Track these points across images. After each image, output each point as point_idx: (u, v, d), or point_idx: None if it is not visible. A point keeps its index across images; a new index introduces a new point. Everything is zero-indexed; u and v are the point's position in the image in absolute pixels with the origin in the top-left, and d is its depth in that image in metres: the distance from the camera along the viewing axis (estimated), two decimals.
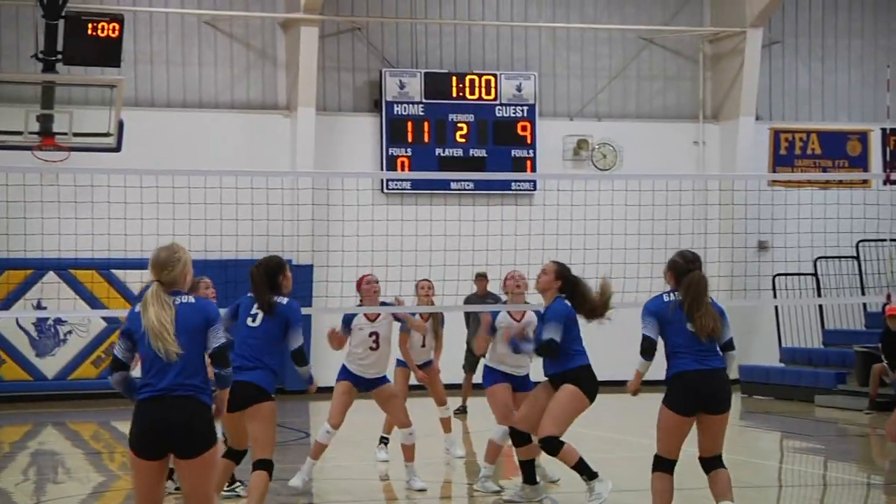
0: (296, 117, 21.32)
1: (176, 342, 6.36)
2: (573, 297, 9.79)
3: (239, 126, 21.36)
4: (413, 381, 13.16)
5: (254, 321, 8.71)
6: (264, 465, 8.52)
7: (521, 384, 10.66)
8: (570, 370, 9.68)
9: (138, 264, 19.60)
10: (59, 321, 19.95)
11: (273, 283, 8.78)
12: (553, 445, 9.54)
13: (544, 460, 10.38)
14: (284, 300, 8.76)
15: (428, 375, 13.14)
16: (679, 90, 23.52)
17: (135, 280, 20.16)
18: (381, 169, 21.61)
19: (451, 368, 18.27)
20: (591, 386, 9.71)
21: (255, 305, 8.78)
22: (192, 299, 6.56)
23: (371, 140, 21.93)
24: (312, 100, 21.28)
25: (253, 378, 8.47)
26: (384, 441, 12.79)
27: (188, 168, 17.76)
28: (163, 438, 6.37)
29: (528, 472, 10.17)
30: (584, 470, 9.63)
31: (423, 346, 13.16)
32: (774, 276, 21.58)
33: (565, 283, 9.82)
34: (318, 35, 21.23)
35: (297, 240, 20.08)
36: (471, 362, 17.73)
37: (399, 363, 13.07)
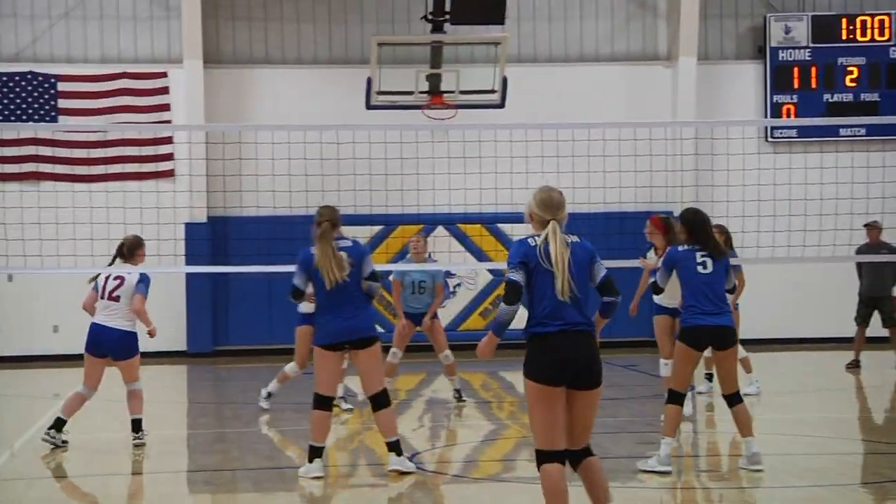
0: (677, 67, 20.95)
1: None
2: None
3: (620, 78, 21.21)
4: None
5: (705, 268, 9.26)
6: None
7: None
8: None
9: (523, 218, 20.03)
10: (448, 274, 20.50)
11: None
12: None
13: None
14: None
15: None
16: None
17: (521, 234, 20.46)
18: (766, 116, 20.93)
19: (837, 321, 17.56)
20: None
21: (701, 254, 9.30)
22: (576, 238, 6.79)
23: (754, 87, 21.26)
24: (694, 49, 20.84)
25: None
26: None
27: (571, 121, 17.80)
28: (572, 369, 6.51)
29: None
30: None
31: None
32: None
33: None
34: None
35: (680, 191, 19.75)
36: (863, 315, 16.91)
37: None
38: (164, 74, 20.38)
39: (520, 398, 14.40)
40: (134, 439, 10.67)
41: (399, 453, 9.26)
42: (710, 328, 9.19)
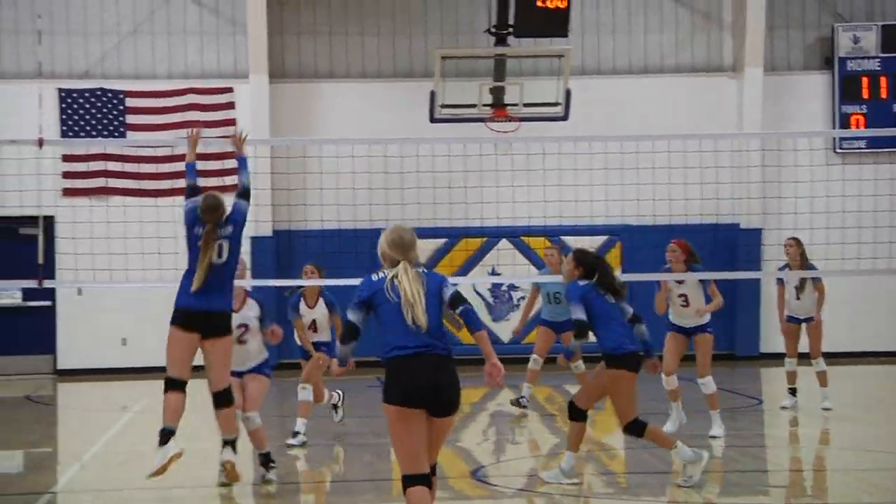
0: (743, 78, 20.80)
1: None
2: None
3: (684, 90, 21.08)
4: None
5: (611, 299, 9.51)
6: None
7: None
8: None
9: (588, 231, 19.96)
10: (512, 287, 20.47)
11: None
12: None
13: None
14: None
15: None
16: None
17: (584, 245, 20.37)
18: (834, 127, 20.71)
19: None
20: None
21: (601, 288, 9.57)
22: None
23: (822, 98, 21.05)
24: (760, 60, 20.68)
25: None
26: None
27: (635, 133, 17.72)
28: (428, 393, 6.56)
29: None
30: None
31: None
32: None
33: None
34: None
35: (746, 203, 19.60)
36: None
37: None
38: (230, 89, 20.57)
39: None
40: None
41: None
42: (637, 353, 9.30)
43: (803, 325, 13.80)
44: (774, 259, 17.71)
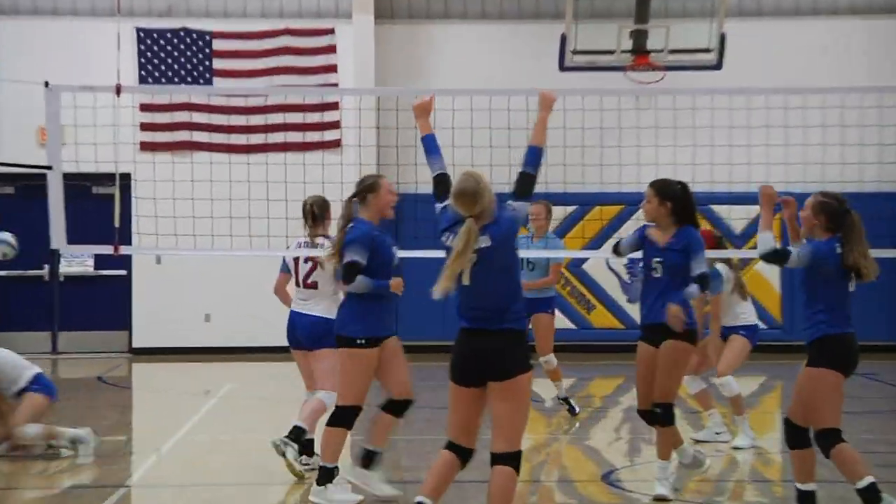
0: None
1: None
2: None
3: (861, 34, 20.77)
4: None
5: None
6: None
7: None
8: None
9: (743, 199, 19.71)
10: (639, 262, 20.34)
11: None
12: None
13: None
14: None
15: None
16: None
17: (740, 216, 20.13)
18: None
19: None
20: None
21: None
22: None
23: None
24: None
25: None
26: None
27: (801, 86, 17.46)
28: (477, 366, 7.12)
29: None
30: None
31: None
32: None
33: None
34: None
35: None
36: None
37: None
38: (330, 31, 20.71)
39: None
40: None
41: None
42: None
43: None
44: None
